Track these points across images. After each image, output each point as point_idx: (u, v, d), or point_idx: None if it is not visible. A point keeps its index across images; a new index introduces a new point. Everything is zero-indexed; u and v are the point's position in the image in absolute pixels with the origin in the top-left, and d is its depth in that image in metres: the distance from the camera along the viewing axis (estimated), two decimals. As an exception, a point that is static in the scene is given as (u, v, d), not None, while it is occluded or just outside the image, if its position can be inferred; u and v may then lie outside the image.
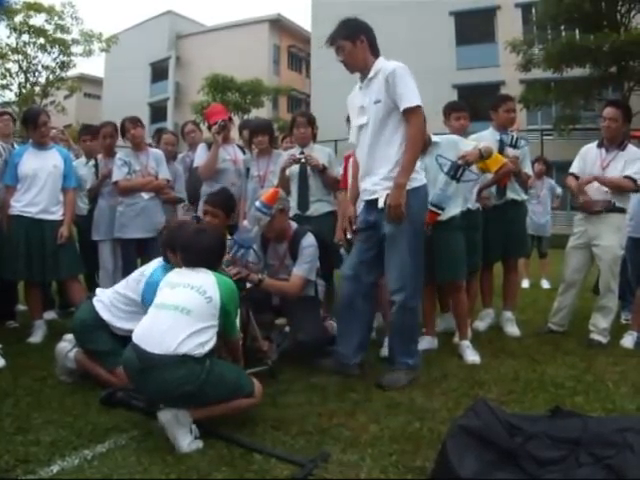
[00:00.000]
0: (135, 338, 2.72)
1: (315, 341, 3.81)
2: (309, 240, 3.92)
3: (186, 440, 2.55)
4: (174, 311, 2.69)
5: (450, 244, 4.01)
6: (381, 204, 3.41)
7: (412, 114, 3.34)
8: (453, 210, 4.02)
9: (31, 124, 4.45)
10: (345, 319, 3.74)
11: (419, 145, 3.45)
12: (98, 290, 3.60)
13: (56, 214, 4.48)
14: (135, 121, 5.01)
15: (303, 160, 4.47)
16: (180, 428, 2.56)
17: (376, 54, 3.51)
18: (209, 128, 5.06)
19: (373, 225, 3.56)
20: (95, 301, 3.43)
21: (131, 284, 3.40)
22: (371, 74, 3.45)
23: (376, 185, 3.47)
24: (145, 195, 4.86)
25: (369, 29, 3.51)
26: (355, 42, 3.43)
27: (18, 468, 2.37)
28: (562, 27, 19.01)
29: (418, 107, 3.34)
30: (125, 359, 2.75)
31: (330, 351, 3.83)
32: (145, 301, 3.19)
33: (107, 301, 3.41)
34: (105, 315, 3.34)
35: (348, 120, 3.95)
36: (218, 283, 2.81)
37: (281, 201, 3.86)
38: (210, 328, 2.73)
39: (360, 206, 3.75)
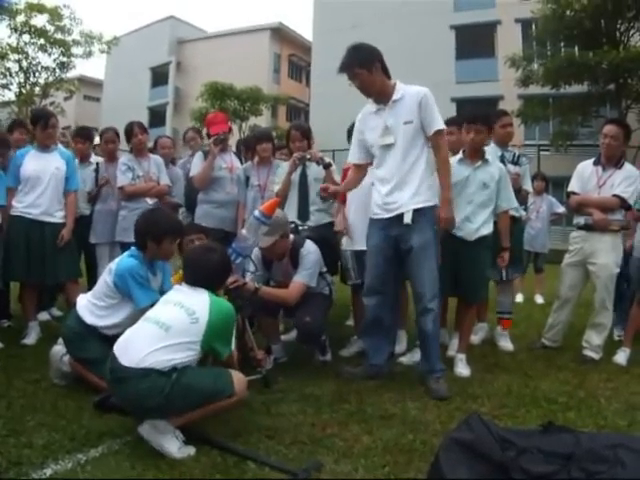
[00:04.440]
0: (114, 348, 2.72)
1: (318, 328, 3.88)
2: (308, 247, 3.96)
3: (174, 446, 2.55)
4: (154, 325, 2.68)
5: (478, 264, 4.07)
6: (407, 220, 3.57)
7: (441, 136, 3.63)
8: (485, 229, 4.07)
9: (41, 124, 4.47)
10: (374, 333, 3.89)
11: (450, 165, 3.76)
12: (79, 295, 3.62)
13: (57, 216, 4.49)
14: (143, 127, 5.12)
15: (308, 156, 4.47)
16: (163, 436, 2.55)
17: (389, 76, 3.66)
18: (208, 136, 5.09)
19: (394, 240, 3.69)
20: (78, 307, 3.45)
21: (104, 276, 3.45)
22: (396, 96, 3.61)
23: (403, 201, 3.61)
24: (149, 200, 4.89)
25: (380, 54, 3.65)
26: (371, 69, 3.56)
27: (11, 470, 2.37)
28: (562, 43, 19.18)
29: (444, 130, 3.64)
30: (106, 369, 2.74)
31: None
32: (117, 286, 3.31)
33: (86, 302, 3.43)
34: (88, 318, 3.35)
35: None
36: (211, 306, 2.74)
37: (282, 227, 3.85)
38: (187, 349, 2.65)
39: (369, 223, 3.88)
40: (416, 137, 3.59)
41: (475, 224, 4.02)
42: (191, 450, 2.58)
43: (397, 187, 3.63)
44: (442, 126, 3.59)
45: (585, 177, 4.57)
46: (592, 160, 4.61)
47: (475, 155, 4.11)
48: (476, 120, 4.08)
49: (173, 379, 2.57)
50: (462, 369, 4.01)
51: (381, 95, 3.66)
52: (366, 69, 3.55)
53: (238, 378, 2.77)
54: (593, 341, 4.43)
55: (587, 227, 4.48)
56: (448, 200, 3.63)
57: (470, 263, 4.03)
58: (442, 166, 3.64)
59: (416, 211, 3.58)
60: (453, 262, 4.02)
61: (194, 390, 2.61)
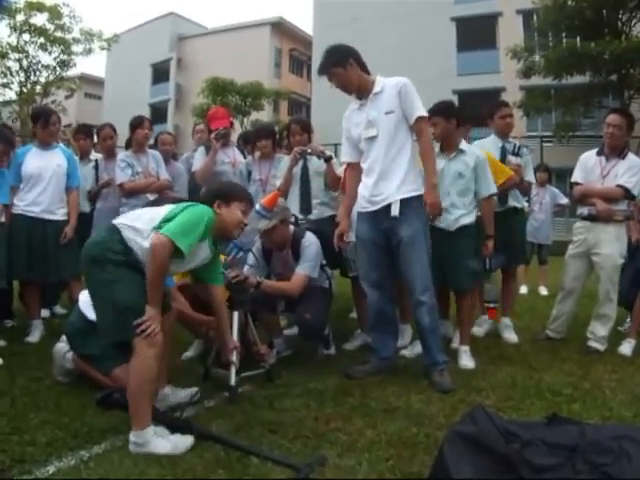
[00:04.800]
0: None
1: (319, 323, 3.87)
2: (309, 239, 3.95)
3: (161, 444, 2.53)
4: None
5: (459, 253, 4.05)
6: (395, 212, 3.56)
7: (424, 123, 3.62)
8: (466, 219, 4.07)
9: (42, 122, 4.47)
10: (380, 327, 3.89)
11: (433, 150, 3.76)
12: (82, 292, 3.61)
13: (59, 214, 4.49)
14: (152, 123, 5.18)
15: (309, 150, 4.46)
16: (148, 444, 2.53)
17: (367, 71, 3.71)
18: (210, 132, 5.08)
19: (386, 232, 3.67)
20: (80, 303, 3.44)
21: None
22: (376, 89, 3.63)
23: (390, 192, 3.59)
24: (150, 196, 4.88)
25: (354, 50, 3.70)
26: (346, 67, 3.61)
27: (14, 468, 2.36)
28: (563, 34, 19.11)
29: (426, 117, 3.62)
30: None
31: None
32: None
33: (87, 298, 3.41)
34: (90, 314, 3.31)
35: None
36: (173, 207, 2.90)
37: (282, 212, 3.87)
38: (150, 219, 2.78)
39: (358, 216, 3.85)
40: (399, 127, 3.59)
41: (454, 215, 4.03)
42: (186, 439, 2.57)
43: (382, 177, 3.62)
44: (423, 112, 3.58)
45: (588, 167, 4.54)
46: (595, 150, 4.59)
47: (448, 147, 4.14)
48: (432, 113, 4.05)
49: (120, 257, 2.64)
50: (466, 361, 3.99)
51: (361, 90, 3.69)
52: (341, 67, 3.60)
53: (155, 338, 2.59)
54: (598, 332, 4.41)
55: (591, 217, 4.46)
56: (433, 185, 3.61)
57: (452, 253, 4.02)
58: (426, 151, 3.63)
59: (403, 202, 3.56)
60: (436, 253, 3.97)
61: (113, 289, 2.61)
